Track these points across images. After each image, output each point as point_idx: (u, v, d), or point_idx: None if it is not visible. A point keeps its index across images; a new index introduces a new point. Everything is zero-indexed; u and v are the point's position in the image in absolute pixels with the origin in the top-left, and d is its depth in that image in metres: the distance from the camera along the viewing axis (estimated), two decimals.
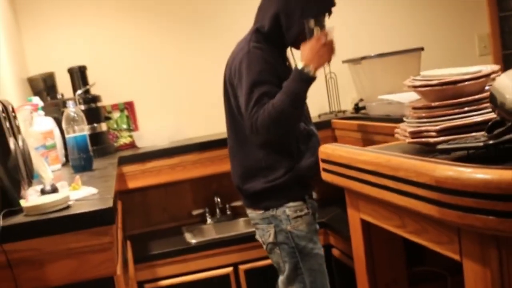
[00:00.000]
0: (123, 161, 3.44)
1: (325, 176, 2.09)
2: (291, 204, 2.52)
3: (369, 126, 3.11)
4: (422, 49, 3.49)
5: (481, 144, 1.39)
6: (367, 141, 3.09)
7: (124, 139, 3.91)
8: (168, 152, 3.55)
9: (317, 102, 4.02)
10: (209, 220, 3.76)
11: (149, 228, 3.84)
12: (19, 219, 1.73)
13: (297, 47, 2.61)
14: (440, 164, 1.34)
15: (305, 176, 2.55)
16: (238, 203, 3.62)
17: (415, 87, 1.83)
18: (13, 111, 2.26)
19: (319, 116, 4.00)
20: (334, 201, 3.54)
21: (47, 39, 3.94)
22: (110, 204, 1.71)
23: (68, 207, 1.79)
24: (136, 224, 3.82)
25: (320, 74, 3.87)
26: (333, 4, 2.59)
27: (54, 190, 1.94)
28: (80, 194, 1.96)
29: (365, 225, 1.99)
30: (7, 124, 2.02)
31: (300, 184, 2.56)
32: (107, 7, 4.01)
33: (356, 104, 3.63)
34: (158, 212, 3.88)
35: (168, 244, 3.42)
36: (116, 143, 3.88)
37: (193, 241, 3.38)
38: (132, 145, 3.89)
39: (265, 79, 2.45)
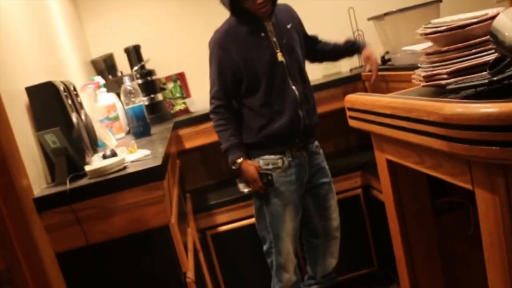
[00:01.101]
0: (178, 125, 3.46)
1: (351, 122, 2.05)
2: (265, 157, 2.66)
3: (395, 75, 3.05)
4: (440, 1, 3.36)
5: (486, 81, 1.33)
6: (394, 89, 3.01)
7: (179, 106, 3.91)
8: None
9: (347, 59, 3.95)
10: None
11: (208, 182, 3.88)
12: (83, 181, 1.76)
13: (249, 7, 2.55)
14: (447, 102, 1.29)
15: (277, 134, 2.61)
16: None
17: (426, 34, 1.76)
18: (75, 90, 2.29)
19: (351, 70, 3.93)
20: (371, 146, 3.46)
21: (104, 25, 3.96)
22: (159, 162, 1.73)
23: (124, 168, 1.81)
24: (197, 179, 3.86)
25: (348, 32, 3.84)
26: None
27: (114, 154, 1.97)
28: (136, 156, 1.98)
29: (390, 164, 1.95)
30: (69, 101, 2.05)
31: (274, 141, 2.64)
32: None
33: (383, 57, 3.54)
34: (215, 167, 3.91)
35: (224, 194, 3.44)
36: (172, 110, 3.89)
37: (246, 190, 3.38)
38: (186, 110, 3.89)
39: (214, 79, 2.69)
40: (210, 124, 3.46)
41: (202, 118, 3.49)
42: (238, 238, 3.31)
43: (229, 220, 3.33)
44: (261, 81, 2.57)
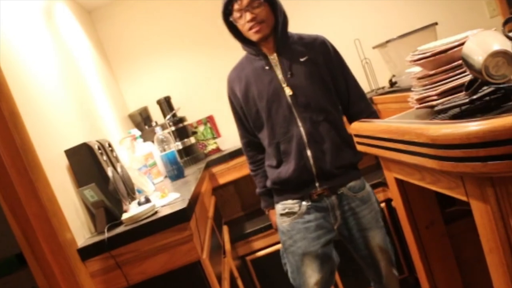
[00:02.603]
0: (211, 164, 3.48)
1: (359, 147, 2.03)
2: (282, 202, 2.28)
3: (402, 96, 3.01)
4: (436, 24, 3.35)
5: (467, 100, 1.31)
6: (403, 109, 2.98)
7: (211, 146, 3.95)
8: None
9: (360, 85, 3.94)
10: None
11: (243, 212, 3.88)
12: (120, 229, 1.79)
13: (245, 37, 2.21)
14: (432, 124, 1.27)
15: (288, 180, 2.21)
16: None
17: (414, 61, 1.75)
18: (110, 146, 2.34)
19: None
20: None
21: (137, 82, 4.07)
22: (185, 205, 1.74)
23: (155, 213, 1.83)
24: (233, 211, 3.87)
25: (357, 61, 3.84)
26: None
27: (148, 201, 1.99)
28: (167, 200, 2.00)
29: (399, 181, 1.93)
30: (104, 158, 2.09)
31: (288, 187, 2.24)
32: (180, 47, 4.10)
33: (390, 80, 3.53)
34: (249, 198, 3.90)
35: (259, 222, 3.42)
36: (206, 151, 3.93)
37: None
38: (218, 149, 3.93)
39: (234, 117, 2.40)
40: (240, 160, 3.52)
41: (232, 155, 3.52)
42: (277, 261, 3.27)
43: (267, 245, 3.31)
44: (264, 118, 2.22)
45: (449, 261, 1.95)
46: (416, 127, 1.37)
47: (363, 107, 2.31)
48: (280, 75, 2.19)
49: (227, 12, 2.18)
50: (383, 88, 3.78)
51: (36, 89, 2.01)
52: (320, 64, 2.22)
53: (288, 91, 2.17)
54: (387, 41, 3.38)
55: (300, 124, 2.17)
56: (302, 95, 2.18)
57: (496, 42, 1.18)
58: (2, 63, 1.73)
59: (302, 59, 2.20)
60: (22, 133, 1.67)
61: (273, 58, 2.21)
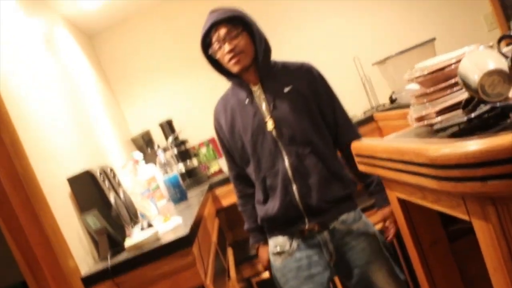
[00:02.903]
0: (214, 185, 3.47)
1: (360, 167, 2.02)
2: (273, 238, 2.16)
3: (402, 113, 3.01)
4: (434, 39, 3.37)
5: (465, 119, 1.31)
6: (404, 126, 2.99)
7: (213, 168, 3.95)
8: None
9: (359, 102, 3.97)
10: None
11: (248, 234, 3.85)
12: (123, 256, 1.78)
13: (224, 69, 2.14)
14: (431, 144, 1.28)
15: (275, 217, 2.08)
16: None
17: (412, 79, 1.76)
18: (112, 172, 2.35)
19: (364, 113, 3.92)
20: None
21: (140, 105, 4.12)
22: (187, 231, 1.74)
23: (158, 239, 1.82)
24: (237, 233, 3.85)
25: (356, 78, 3.85)
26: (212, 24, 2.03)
27: (150, 226, 1.99)
28: (169, 224, 2.00)
29: (401, 200, 1.92)
30: (106, 184, 2.10)
31: (274, 224, 2.13)
32: (180, 69, 4.15)
33: (390, 97, 3.54)
34: None
35: None
36: (208, 172, 3.93)
37: None
38: (220, 171, 3.93)
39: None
40: None
41: None
42: None
43: None
44: (248, 152, 2.10)
45: (454, 279, 1.93)
46: (415, 147, 1.37)
47: (351, 137, 2.09)
48: (264, 107, 2.07)
49: (205, 45, 2.08)
50: (383, 105, 3.79)
51: (37, 116, 2.02)
52: (305, 94, 2.09)
53: (270, 124, 2.06)
54: (386, 58, 3.40)
55: (285, 158, 2.04)
56: (287, 127, 2.06)
57: (491, 60, 1.18)
58: (2, 91, 1.74)
59: (286, 89, 2.08)
60: (23, 162, 1.68)
61: (256, 89, 2.10)
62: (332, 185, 2.08)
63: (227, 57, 2.02)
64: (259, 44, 2.03)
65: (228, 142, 2.19)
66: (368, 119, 3.61)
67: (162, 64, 4.13)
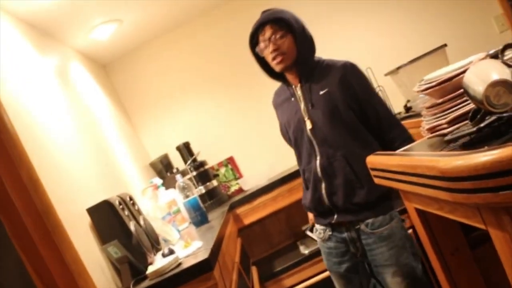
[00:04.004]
0: (235, 205, 3.50)
1: (376, 180, 2.02)
2: (317, 225, 2.34)
3: (418, 122, 2.96)
4: (445, 45, 3.35)
5: (475, 129, 1.31)
6: (421, 134, 2.97)
7: (233, 187, 3.97)
8: (268, 188, 3.58)
9: None
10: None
11: (272, 250, 3.85)
12: (145, 284, 1.80)
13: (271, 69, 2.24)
14: (442, 157, 1.27)
15: (308, 208, 2.31)
16: None
17: (421, 91, 1.76)
18: (131, 199, 2.37)
19: None
20: None
21: (156, 130, 4.17)
22: (206, 255, 1.75)
23: (179, 264, 1.83)
24: (261, 250, 3.84)
25: None
26: (260, 24, 2.17)
27: (171, 252, 2.00)
28: (190, 250, 2.01)
29: (419, 211, 1.91)
30: (126, 213, 2.12)
31: (311, 212, 2.35)
32: (195, 92, 4.21)
33: (405, 105, 3.52)
34: (276, 236, 3.88)
35: (287, 259, 3.40)
36: (229, 192, 3.95)
37: (306, 251, 3.34)
38: (240, 190, 3.94)
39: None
40: (264, 199, 3.54)
41: (255, 195, 3.56)
42: None
43: (297, 282, 3.27)
44: (293, 145, 2.29)
45: (478, 286, 1.91)
46: (427, 159, 1.37)
47: (396, 134, 2.20)
48: (303, 107, 2.19)
49: (253, 43, 2.22)
50: (399, 113, 3.77)
51: (54, 150, 2.06)
52: (338, 98, 2.14)
53: (308, 125, 2.17)
54: (398, 67, 3.39)
55: (318, 157, 2.17)
56: (320, 130, 2.15)
57: (495, 71, 1.18)
58: (20, 128, 1.78)
59: (321, 92, 2.16)
60: (42, 197, 1.71)
61: (298, 89, 2.22)
62: (356, 189, 2.14)
63: (271, 56, 2.14)
64: (301, 47, 2.14)
65: (287, 131, 2.31)
66: None
67: (176, 87, 4.19)
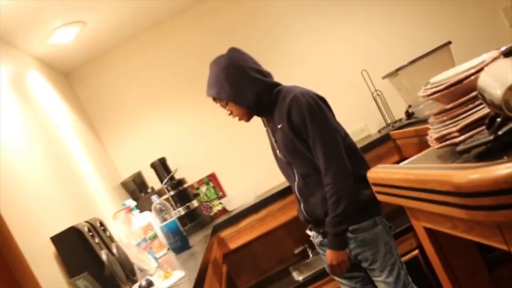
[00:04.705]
0: (219, 228, 3.47)
1: (379, 197, 2.00)
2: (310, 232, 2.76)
3: (422, 129, 2.99)
4: (449, 42, 3.35)
5: (492, 137, 1.29)
6: (425, 144, 2.96)
7: (216, 207, 3.95)
8: (255, 208, 3.54)
9: (372, 119, 3.98)
10: (311, 255, 3.66)
11: (261, 277, 3.81)
12: None
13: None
14: (456, 170, 1.26)
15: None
16: None
17: (427, 96, 1.74)
18: (102, 225, 2.34)
19: (379, 131, 3.91)
20: None
21: (128, 145, 4.13)
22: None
23: None
24: (250, 277, 3.80)
25: (366, 93, 3.85)
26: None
27: (150, 284, 1.97)
28: (171, 281, 1.99)
29: (429, 230, 1.90)
30: (96, 240, 2.08)
31: None
32: (169, 102, 4.19)
33: (406, 111, 3.52)
34: (265, 260, 3.84)
35: (279, 287, 3.38)
36: (211, 213, 3.93)
37: (300, 278, 3.32)
38: (224, 210, 3.92)
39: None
40: (251, 220, 3.51)
41: (241, 215, 3.52)
42: None
43: None
44: None
45: None
46: (438, 173, 1.35)
47: (327, 182, 2.41)
48: (272, 139, 2.63)
49: None
50: (399, 120, 3.78)
51: (10, 172, 2.01)
52: (289, 132, 2.45)
53: (279, 154, 2.60)
54: (398, 69, 3.39)
55: (294, 178, 2.57)
56: (285, 158, 2.56)
57: None
58: None
59: (279, 126, 2.50)
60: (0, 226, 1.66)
61: (267, 123, 2.65)
62: (320, 208, 2.48)
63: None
64: (242, 102, 2.49)
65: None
66: (384, 138, 3.59)
67: (149, 97, 4.15)
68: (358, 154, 2.57)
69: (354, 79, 3.94)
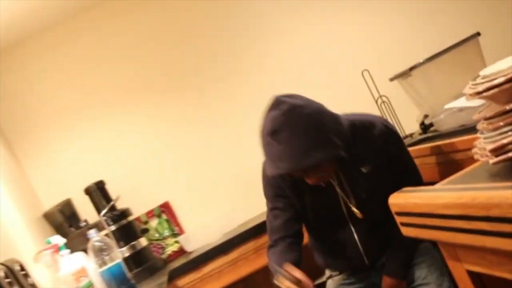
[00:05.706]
0: (176, 275, 3.41)
1: (405, 230, 1.94)
2: None
3: (444, 145, 2.94)
4: (478, 34, 3.33)
5: None
6: (447, 164, 2.92)
7: (171, 247, 3.92)
8: (223, 248, 3.50)
9: None
10: None
11: None
12: None
13: None
14: None
15: None
16: None
17: (479, 93, 1.67)
18: (22, 269, 2.25)
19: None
20: None
21: (52, 165, 4.04)
22: None
23: None
24: None
25: (369, 98, 3.80)
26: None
27: None
28: None
29: (475, 276, 1.82)
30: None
31: None
32: (108, 111, 4.14)
33: (422, 123, 3.47)
34: None
35: None
36: (164, 255, 3.88)
37: None
38: (181, 251, 3.87)
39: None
40: (218, 264, 3.48)
41: (205, 258, 3.47)
42: None
43: None
44: None
45: None
46: (504, 195, 1.27)
47: None
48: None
49: None
50: (411, 135, 3.74)
51: None
52: (384, 171, 2.56)
53: (354, 206, 2.54)
54: (411, 68, 3.37)
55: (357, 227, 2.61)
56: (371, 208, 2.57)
57: None
58: None
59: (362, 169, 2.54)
60: None
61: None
62: None
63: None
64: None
65: None
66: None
67: (81, 103, 4.09)
68: None
69: (352, 81, 3.91)
